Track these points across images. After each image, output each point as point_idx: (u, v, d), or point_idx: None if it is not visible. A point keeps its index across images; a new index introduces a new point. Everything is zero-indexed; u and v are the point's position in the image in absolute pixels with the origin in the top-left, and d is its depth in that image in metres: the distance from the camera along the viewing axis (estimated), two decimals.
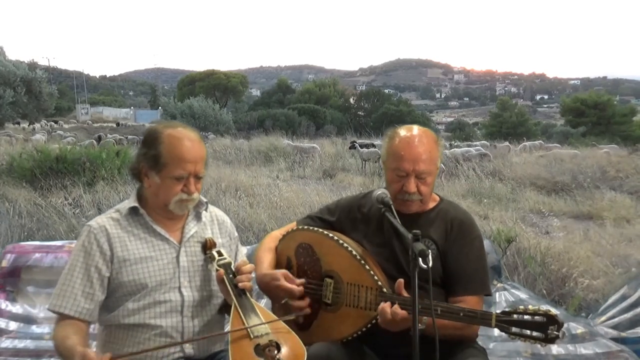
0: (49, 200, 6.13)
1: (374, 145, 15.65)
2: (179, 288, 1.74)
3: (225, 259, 1.75)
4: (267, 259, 1.92)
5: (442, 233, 1.82)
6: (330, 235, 1.86)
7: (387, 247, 1.82)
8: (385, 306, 1.59)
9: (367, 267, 1.74)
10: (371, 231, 1.87)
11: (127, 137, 21.27)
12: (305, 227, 1.96)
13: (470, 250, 1.80)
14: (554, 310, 1.46)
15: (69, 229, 5.02)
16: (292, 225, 2.05)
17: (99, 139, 19.72)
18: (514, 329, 1.47)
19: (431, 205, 1.88)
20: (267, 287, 1.84)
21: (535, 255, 4.29)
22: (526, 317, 1.46)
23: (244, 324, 1.59)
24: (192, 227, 1.82)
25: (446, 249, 1.80)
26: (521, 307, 1.48)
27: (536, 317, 1.44)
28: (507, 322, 1.47)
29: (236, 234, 1.99)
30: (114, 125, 36.13)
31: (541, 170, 11.73)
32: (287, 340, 1.59)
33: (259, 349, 1.53)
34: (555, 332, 1.42)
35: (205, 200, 1.87)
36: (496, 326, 1.49)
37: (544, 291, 3.76)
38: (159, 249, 1.75)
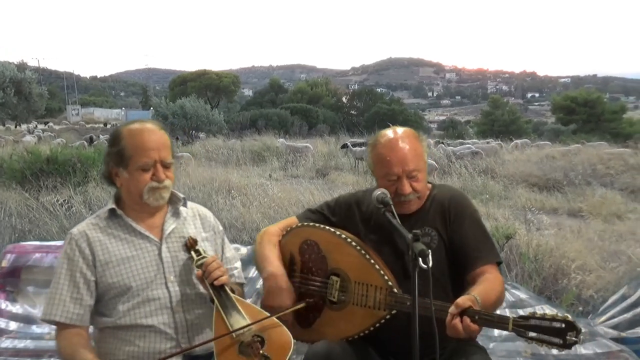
0: (39, 201, 6.07)
1: (366, 144, 15.64)
2: (166, 284, 1.74)
3: (203, 258, 1.74)
4: (274, 255, 1.89)
5: (440, 215, 1.82)
6: (337, 232, 1.84)
7: (389, 244, 1.81)
8: (457, 322, 1.52)
9: (377, 266, 1.72)
10: (371, 228, 1.86)
11: None
12: (311, 223, 1.94)
13: (471, 223, 1.81)
14: (570, 317, 1.44)
15: (60, 229, 4.99)
16: (291, 219, 2.03)
17: (91, 140, 19.55)
18: (531, 334, 1.45)
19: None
20: (274, 291, 1.80)
21: (528, 252, 4.31)
22: (544, 322, 1.44)
23: (225, 323, 1.59)
24: (171, 223, 1.82)
25: (448, 231, 1.80)
26: (538, 312, 1.46)
27: (554, 323, 1.43)
28: (524, 326, 1.45)
29: (221, 228, 1.99)
30: (103, 126, 35.87)
31: (533, 168, 11.79)
32: (271, 331, 1.58)
33: (243, 347, 1.53)
34: (574, 338, 1.40)
35: (182, 196, 1.88)
36: (513, 330, 1.47)
37: (538, 288, 3.78)
38: (140, 247, 1.75)
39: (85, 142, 17.25)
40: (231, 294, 1.68)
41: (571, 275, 3.96)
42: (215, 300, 1.65)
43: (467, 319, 1.49)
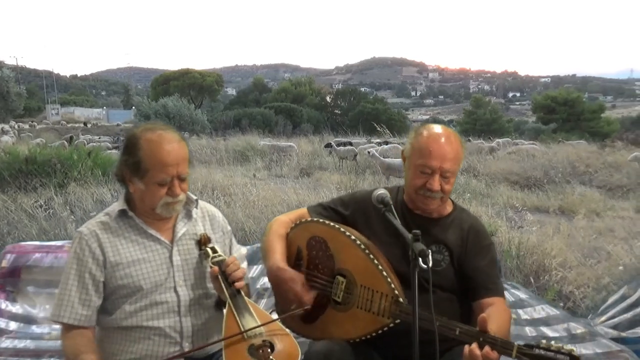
0: (18, 202, 5.95)
1: (350, 144, 15.73)
2: (175, 288, 1.73)
3: (219, 256, 1.74)
4: (279, 248, 1.87)
5: (458, 240, 1.81)
6: (347, 233, 1.81)
7: (399, 246, 1.79)
8: (474, 348, 1.48)
9: (385, 273, 1.70)
10: (384, 229, 1.83)
11: (99, 138, 20.79)
12: (321, 220, 1.91)
13: (485, 256, 1.81)
14: (577, 351, 1.41)
15: (40, 231, 4.89)
16: (302, 211, 2.01)
17: (71, 139, 19.23)
18: None
19: (447, 209, 1.89)
20: (280, 284, 1.79)
21: (510, 249, 4.37)
22: (549, 353, 1.41)
23: (237, 323, 1.59)
24: (183, 226, 1.81)
25: (462, 256, 1.79)
26: (543, 341, 1.44)
27: (559, 356, 1.40)
28: (528, 355, 1.43)
29: (229, 227, 1.98)
30: (83, 126, 35.26)
31: (514, 166, 11.97)
32: (281, 339, 1.59)
33: (253, 349, 1.53)
34: None
35: (194, 197, 1.86)
36: (516, 357, 1.44)
37: (520, 284, 3.83)
38: (151, 250, 1.74)
39: (65, 142, 16.96)
40: (245, 297, 1.69)
41: (552, 272, 4.03)
42: (229, 301, 1.65)
43: (487, 348, 1.46)
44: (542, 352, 1.41)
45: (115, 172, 1.77)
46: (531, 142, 19.01)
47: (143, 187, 1.68)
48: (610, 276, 3.75)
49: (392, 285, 1.68)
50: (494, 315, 1.66)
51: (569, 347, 1.42)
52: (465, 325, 1.55)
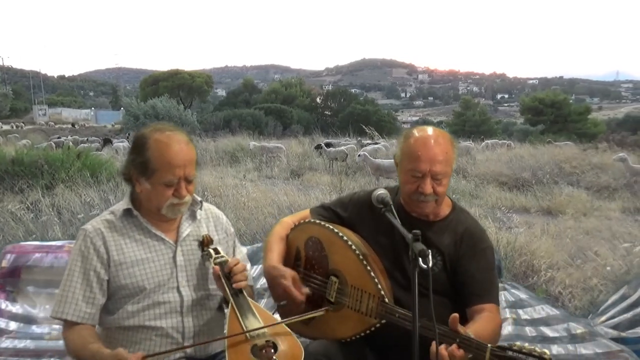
0: (4, 204, 5.87)
1: (331, 145, 15.83)
2: (178, 288, 1.73)
3: (222, 257, 1.75)
4: (277, 248, 1.92)
5: (451, 245, 1.79)
6: (340, 234, 1.84)
7: (394, 251, 1.80)
8: (442, 349, 1.48)
9: (372, 274, 1.72)
10: (381, 232, 1.84)
11: (87, 139, 20.60)
12: (317, 221, 1.95)
13: (480, 260, 1.78)
14: (548, 354, 1.42)
15: (26, 233, 4.83)
16: (306, 212, 2.04)
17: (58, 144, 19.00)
18: None
19: (445, 211, 1.86)
20: (272, 282, 1.83)
21: (498, 250, 4.40)
22: (521, 355, 1.42)
23: (240, 324, 1.60)
24: (187, 227, 1.82)
25: (455, 261, 1.78)
26: (517, 343, 1.45)
27: (530, 358, 1.41)
28: (500, 357, 1.43)
29: (232, 229, 1.99)
30: (71, 127, 34.95)
31: (503, 167, 12.06)
32: (284, 339, 1.60)
33: (256, 350, 1.53)
34: None
35: (199, 199, 1.87)
36: (490, 359, 1.45)
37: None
38: (155, 249, 1.74)
39: (52, 144, 16.77)
40: (247, 297, 1.69)
41: (540, 272, 4.06)
42: (232, 301, 1.65)
43: (454, 346, 1.47)
44: (515, 354, 1.43)
45: (122, 171, 1.77)
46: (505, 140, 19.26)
47: (150, 187, 1.68)
48: (597, 277, 3.79)
49: (379, 286, 1.70)
50: (478, 320, 1.66)
51: (540, 349, 1.43)
52: (444, 327, 1.53)
